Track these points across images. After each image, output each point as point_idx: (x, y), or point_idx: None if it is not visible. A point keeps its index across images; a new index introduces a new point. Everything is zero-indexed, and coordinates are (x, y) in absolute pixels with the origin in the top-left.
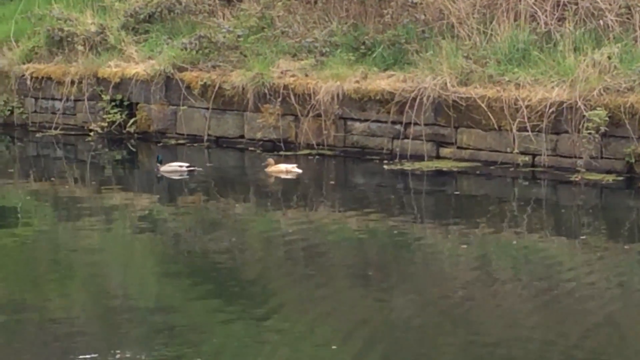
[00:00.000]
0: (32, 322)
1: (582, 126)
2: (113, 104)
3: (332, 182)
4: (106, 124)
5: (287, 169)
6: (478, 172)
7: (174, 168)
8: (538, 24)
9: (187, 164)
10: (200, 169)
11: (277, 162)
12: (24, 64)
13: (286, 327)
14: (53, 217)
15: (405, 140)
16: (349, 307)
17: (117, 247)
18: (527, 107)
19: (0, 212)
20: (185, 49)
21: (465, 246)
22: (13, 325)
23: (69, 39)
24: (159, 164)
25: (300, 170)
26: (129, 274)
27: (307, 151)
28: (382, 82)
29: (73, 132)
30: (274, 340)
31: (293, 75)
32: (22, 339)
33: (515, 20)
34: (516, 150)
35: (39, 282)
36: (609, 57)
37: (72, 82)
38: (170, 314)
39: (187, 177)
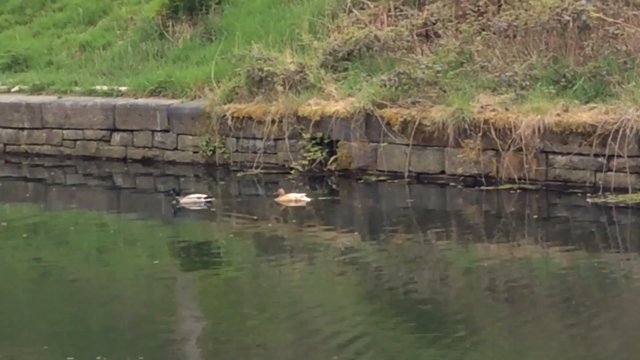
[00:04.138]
0: (231, 352)
1: None
2: (313, 142)
3: (535, 216)
4: (307, 162)
5: (297, 198)
6: None
7: (193, 200)
8: None
9: (204, 195)
10: (213, 199)
11: (286, 192)
12: (225, 104)
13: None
14: (255, 254)
15: (609, 173)
16: (554, 342)
17: (319, 284)
18: None
19: (205, 250)
20: (385, 85)
21: None
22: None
23: (269, 79)
24: (178, 197)
25: (309, 199)
26: (330, 309)
27: (508, 186)
28: (584, 114)
29: (274, 171)
30: None
31: (493, 110)
32: None
33: None
34: None
35: (239, 316)
36: None
37: (273, 121)
38: (369, 348)
39: (205, 207)
